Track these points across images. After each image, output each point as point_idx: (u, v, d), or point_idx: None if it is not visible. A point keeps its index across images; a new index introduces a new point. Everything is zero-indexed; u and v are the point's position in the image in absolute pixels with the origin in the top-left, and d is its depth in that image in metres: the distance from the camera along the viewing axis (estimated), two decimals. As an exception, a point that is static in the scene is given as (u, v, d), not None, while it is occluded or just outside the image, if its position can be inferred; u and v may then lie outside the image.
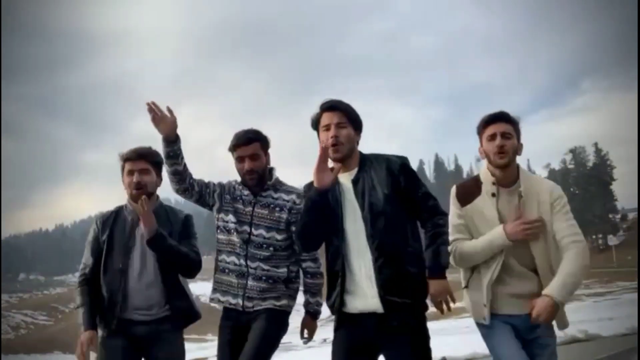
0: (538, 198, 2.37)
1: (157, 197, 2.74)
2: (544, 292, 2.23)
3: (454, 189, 2.51)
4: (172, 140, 2.55)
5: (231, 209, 2.67)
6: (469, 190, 2.45)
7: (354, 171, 2.28)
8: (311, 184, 2.25)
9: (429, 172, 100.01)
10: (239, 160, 2.64)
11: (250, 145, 2.62)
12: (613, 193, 59.88)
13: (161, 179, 2.73)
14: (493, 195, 2.38)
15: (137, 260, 2.58)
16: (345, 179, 2.28)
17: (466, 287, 2.47)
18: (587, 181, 58.58)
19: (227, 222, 2.67)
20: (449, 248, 2.31)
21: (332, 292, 2.27)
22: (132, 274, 2.57)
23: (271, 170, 2.72)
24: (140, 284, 2.57)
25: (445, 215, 2.28)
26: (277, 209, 2.64)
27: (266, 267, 2.60)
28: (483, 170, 2.47)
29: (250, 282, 2.59)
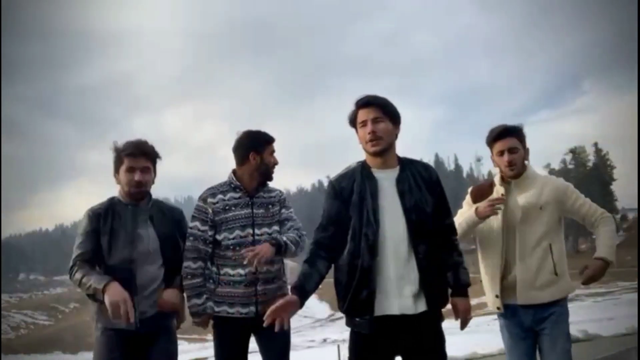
0: (541, 188, 2.64)
1: (150, 194, 2.65)
2: (596, 255, 2.55)
3: (470, 191, 2.84)
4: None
5: (231, 222, 2.62)
6: (483, 191, 2.76)
7: (396, 170, 2.26)
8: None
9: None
10: (271, 153, 2.73)
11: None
12: (613, 193, 59.90)
13: (155, 175, 2.64)
14: (502, 195, 2.66)
15: (143, 255, 2.49)
16: (385, 176, 2.25)
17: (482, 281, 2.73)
18: (587, 181, 58.52)
19: (234, 237, 2.61)
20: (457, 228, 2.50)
21: (363, 290, 2.14)
22: (139, 267, 2.47)
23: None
24: (145, 278, 2.49)
25: (460, 255, 2.32)
26: (271, 205, 2.70)
27: (273, 269, 2.64)
28: (498, 176, 2.74)
29: (260, 288, 2.61)
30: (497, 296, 2.62)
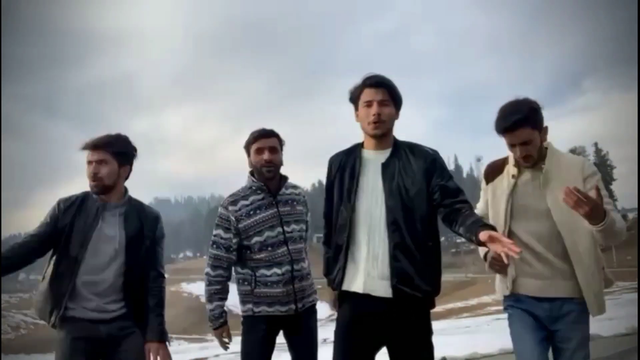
0: (565, 175, 2.27)
1: (125, 190, 2.58)
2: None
3: (485, 167, 2.56)
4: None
5: (259, 225, 2.63)
6: (496, 168, 2.47)
7: (387, 152, 2.24)
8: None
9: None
10: (258, 152, 2.64)
11: (270, 138, 2.68)
12: (613, 193, 59.87)
13: (128, 170, 2.58)
14: (513, 177, 2.36)
15: (93, 254, 2.43)
16: (374, 157, 2.24)
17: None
18: (587, 181, 58.41)
19: (265, 239, 2.61)
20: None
21: (335, 266, 2.24)
22: (85, 266, 2.41)
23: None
24: (94, 277, 2.42)
25: (467, 201, 2.13)
26: (295, 202, 2.72)
27: (305, 265, 2.71)
28: (512, 158, 2.40)
29: (297, 285, 2.64)
30: (507, 287, 2.35)
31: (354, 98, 2.26)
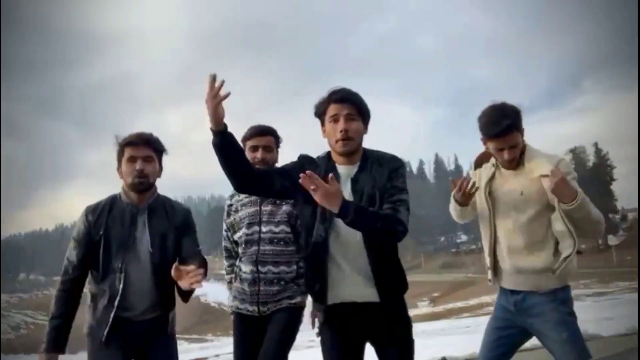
0: (542, 173, 2.34)
1: (156, 188, 2.52)
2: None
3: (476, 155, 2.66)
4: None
5: (242, 221, 2.74)
6: (484, 158, 2.57)
7: (355, 167, 2.18)
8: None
9: (429, 172, 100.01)
10: (252, 149, 2.69)
11: (265, 136, 2.71)
12: (613, 193, 59.90)
13: (161, 169, 2.51)
14: (493, 165, 2.50)
15: (136, 259, 2.37)
16: (344, 172, 2.18)
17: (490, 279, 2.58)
18: (587, 181, 58.54)
19: (241, 236, 2.74)
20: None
21: (315, 283, 2.19)
22: (130, 273, 2.34)
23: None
24: (137, 284, 2.36)
25: (401, 222, 2.07)
26: (282, 202, 2.69)
27: (276, 270, 2.64)
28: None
29: (262, 288, 2.64)
30: (488, 268, 2.49)
31: (320, 113, 2.20)
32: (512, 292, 2.43)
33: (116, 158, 2.45)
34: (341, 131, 2.11)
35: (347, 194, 2.12)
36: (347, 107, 2.13)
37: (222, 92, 1.97)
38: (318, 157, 2.24)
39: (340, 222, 2.03)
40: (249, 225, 2.70)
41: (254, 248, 2.66)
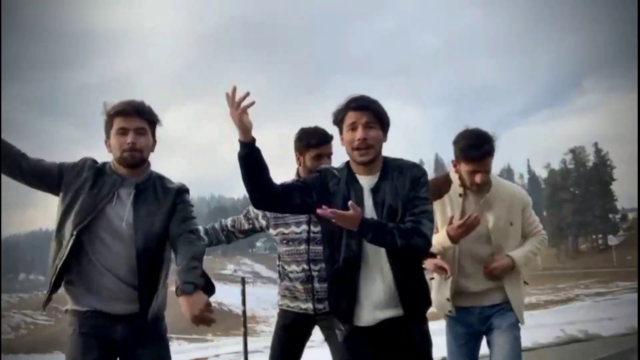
0: (509, 202, 2.55)
1: (149, 164, 2.24)
2: (508, 254, 2.51)
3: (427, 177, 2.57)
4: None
5: (287, 218, 2.67)
6: (440, 186, 2.57)
7: (375, 177, 2.11)
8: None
9: (429, 172, 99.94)
10: (317, 158, 2.63)
11: (330, 143, 2.67)
12: (613, 193, 59.89)
13: (155, 142, 2.24)
14: (460, 195, 2.53)
15: (105, 235, 2.09)
16: (364, 183, 2.11)
17: (432, 278, 2.63)
18: (587, 181, 58.60)
19: (287, 233, 2.68)
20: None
21: (342, 301, 2.10)
22: (91, 248, 2.09)
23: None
24: (103, 267, 2.08)
25: (423, 235, 2.02)
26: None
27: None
28: (453, 172, 2.58)
29: (317, 285, 2.61)
30: (448, 299, 2.57)
31: (338, 121, 2.14)
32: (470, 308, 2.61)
33: (104, 129, 2.19)
34: (359, 139, 2.05)
35: (369, 205, 2.07)
36: (365, 115, 2.07)
37: (246, 102, 1.94)
38: (337, 168, 2.18)
39: None
40: (298, 224, 2.65)
41: (303, 247, 2.64)
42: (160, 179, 2.23)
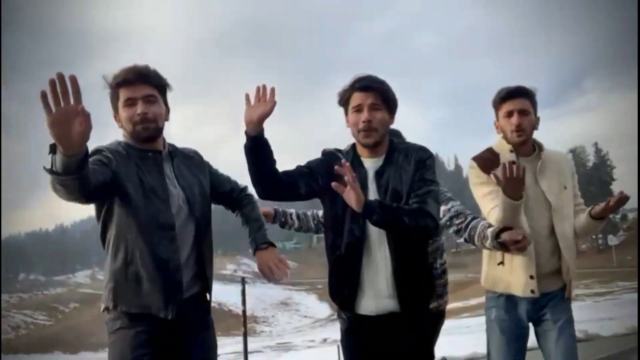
0: (559, 167, 2.38)
1: (164, 139, 2.03)
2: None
3: (472, 162, 2.39)
4: None
5: None
6: (489, 161, 2.34)
7: (381, 160, 2.05)
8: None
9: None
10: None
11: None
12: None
13: (169, 110, 2.02)
14: (513, 162, 2.16)
15: (175, 213, 1.94)
16: (369, 166, 2.06)
17: (501, 263, 2.34)
18: (587, 181, 58.51)
19: None
20: (493, 218, 2.24)
21: (344, 287, 2.04)
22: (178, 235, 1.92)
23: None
24: (169, 249, 1.90)
25: (429, 215, 1.95)
26: None
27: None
28: (497, 142, 2.41)
29: None
30: (531, 277, 2.27)
31: (343, 102, 2.08)
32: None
33: (110, 104, 1.99)
34: (364, 121, 1.99)
35: (373, 189, 2.02)
36: (371, 96, 2.00)
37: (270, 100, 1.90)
38: (343, 151, 2.13)
39: (368, 222, 1.94)
40: None
41: None
42: (174, 147, 2.08)
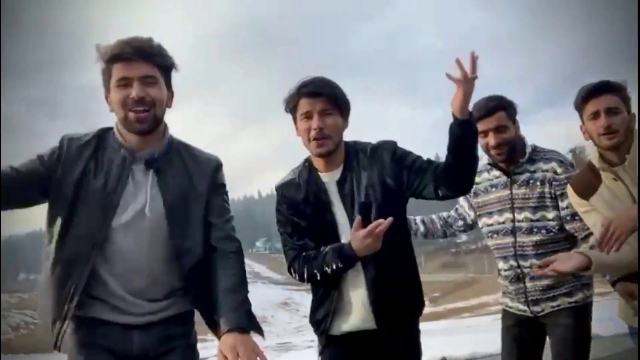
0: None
1: (165, 127, 1.68)
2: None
3: (570, 190, 2.13)
4: None
5: (489, 207, 2.37)
6: (587, 181, 2.06)
7: (339, 169, 1.90)
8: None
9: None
10: (482, 135, 2.22)
11: (494, 115, 2.22)
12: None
13: (172, 96, 1.68)
14: (614, 179, 1.97)
15: (123, 228, 1.57)
16: (329, 180, 1.90)
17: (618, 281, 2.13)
18: (587, 181, 58.36)
19: (491, 224, 2.36)
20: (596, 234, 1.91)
21: (320, 309, 1.93)
22: (110, 246, 1.56)
23: (523, 139, 2.32)
24: (124, 265, 1.58)
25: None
26: (538, 183, 2.25)
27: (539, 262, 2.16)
28: (593, 154, 2.09)
29: (528, 284, 2.29)
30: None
31: (290, 108, 1.89)
32: None
33: (102, 81, 1.63)
34: (315, 129, 1.82)
35: (337, 202, 1.88)
36: (320, 101, 1.82)
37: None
38: (297, 172, 1.96)
39: (342, 239, 1.84)
40: (501, 212, 2.31)
41: (509, 239, 2.30)
42: (186, 147, 1.71)
